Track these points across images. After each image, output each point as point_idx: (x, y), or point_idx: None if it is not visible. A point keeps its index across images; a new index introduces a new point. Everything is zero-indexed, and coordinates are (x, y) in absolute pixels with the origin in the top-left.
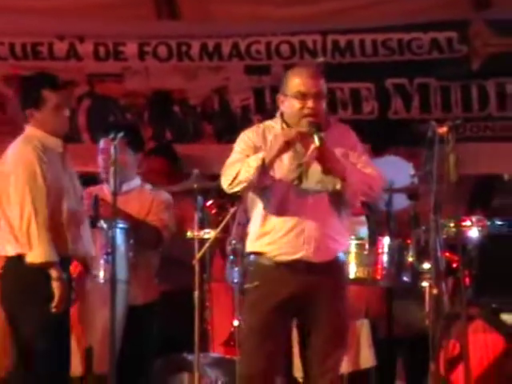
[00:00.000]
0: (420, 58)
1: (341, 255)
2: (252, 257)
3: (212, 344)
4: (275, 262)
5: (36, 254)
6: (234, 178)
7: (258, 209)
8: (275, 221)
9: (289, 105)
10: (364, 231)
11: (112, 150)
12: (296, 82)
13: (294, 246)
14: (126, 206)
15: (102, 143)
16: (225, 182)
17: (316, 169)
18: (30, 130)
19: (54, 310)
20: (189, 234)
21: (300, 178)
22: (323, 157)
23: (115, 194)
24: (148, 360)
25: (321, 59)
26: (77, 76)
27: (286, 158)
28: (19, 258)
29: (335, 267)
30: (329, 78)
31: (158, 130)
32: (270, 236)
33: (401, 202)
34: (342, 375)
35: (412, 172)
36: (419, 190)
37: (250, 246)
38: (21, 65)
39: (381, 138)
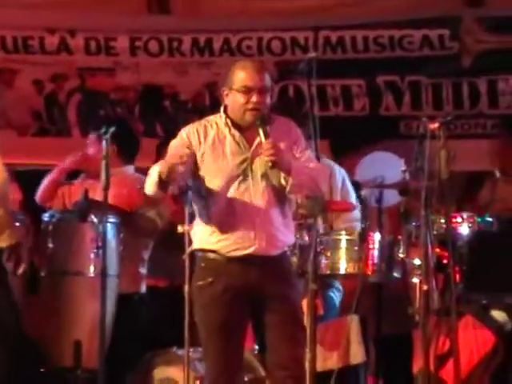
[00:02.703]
0: (411, 55)
1: (287, 247)
2: (202, 253)
3: None
4: (227, 258)
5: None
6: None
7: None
8: (223, 217)
9: (233, 98)
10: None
11: (103, 144)
12: (241, 75)
13: (246, 241)
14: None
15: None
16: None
17: (260, 164)
18: None
19: None
20: (179, 228)
21: (245, 174)
22: (269, 151)
23: (106, 188)
24: (136, 353)
25: (312, 54)
26: (67, 70)
27: (230, 153)
28: None
29: (284, 258)
30: (320, 74)
31: (149, 125)
32: (219, 233)
33: (392, 197)
34: (332, 371)
35: (403, 168)
36: (410, 186)
37: (199, 243)
38: (11, 58)
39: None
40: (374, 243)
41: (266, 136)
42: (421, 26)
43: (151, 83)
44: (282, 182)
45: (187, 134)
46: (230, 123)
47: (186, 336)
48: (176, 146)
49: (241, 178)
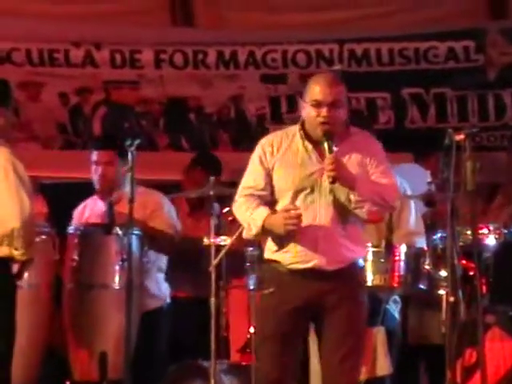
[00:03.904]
0: (436, 68)
1: (357, 262)
2: (268, 264)
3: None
4: (289, 270)
5: None
6: (242, 227)
7: None
8: None
9: (307, 112)
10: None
11: (129, 157)
12: (313, 89)
13: (307, 255)
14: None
15: (94, 155)
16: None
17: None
18: None
19: None
20: (205, 240)
21: (313, 187)
22: (331, 165)
23: (132, 200)
24: (162, 365)
25: (337, 67)
26: (93, 83)
27: (300, 165)
28: None
29: (349, 273)
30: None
31: (174, 137)
32: (282, 244)
33: (418, 209)
34: (359, 382)
35: (429, 179)
36: (436, 198)
37: (267, 253)
38: (37, 71)
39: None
40: (400, 255)
41: (330, 150)
42: (446, 38)
43: (176, 96)
44: (350, 197)
45: (263, 145)
46: (304, 135)
47: (212, 348)
48: (253, 159)
49: (308, 190)
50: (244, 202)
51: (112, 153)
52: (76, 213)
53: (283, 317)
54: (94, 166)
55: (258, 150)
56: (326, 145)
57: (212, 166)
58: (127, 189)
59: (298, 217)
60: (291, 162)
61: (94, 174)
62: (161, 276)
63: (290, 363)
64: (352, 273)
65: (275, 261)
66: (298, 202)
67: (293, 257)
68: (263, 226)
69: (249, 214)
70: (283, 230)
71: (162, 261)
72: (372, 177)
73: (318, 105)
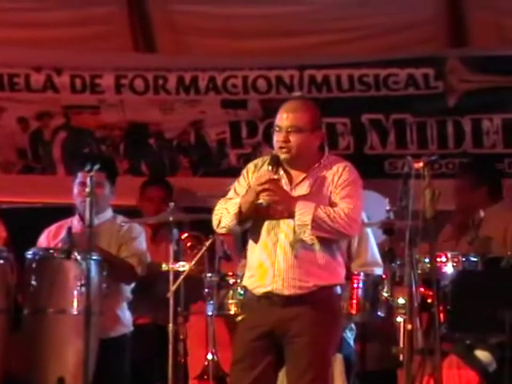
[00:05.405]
0: (396, 94)
1: (326, 288)
2: (244, 290)
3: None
4: (255, 295)
5: None
6: (218, 224)
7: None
8: (254, 254)
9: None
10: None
11: (88, 182)
12: (277, 115)
13: (266, 278)
14: (96, 239)
15: (80, 176)
16: (213, 223)
17: None
18: None
19: None
20: (164, 266)
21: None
22: (270, 190)
23: (91, 226)
24: None
25: (297, 93)
26: (53, 108)
27: None
28: None
29: (316, 300)
30: None
31: (134, 163)
32: (250, 269)
33: (376, 236)
34: None
35: (387, 207)
36: (395, 225)
37: (243, 280)
38: None
39: None
40: (358, 283)
41: (273, 175)
42: (406, 65)
43: (136, 121)
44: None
45: (247, 167)
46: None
47: (169, 374)
48: (239, 177)
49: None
50: (221, 203)
51: (104, 175)
52: (48, 233)
53: (250, 342)
54: (79, 187)
55: (243, 172)
56: (270, 169)
57: (163, 182)
58: (108, 214)
59: (271, 180)
60: None
61: (78, 195)
62: (126, 304)
63: None
64: (320, 299)
65: (245, 286)
66: (264, 225)
67: (255, 280)
68: (240, 208)
69: (224, 206)
70: (254, 194)
71: (128, 289)
72: (333, 200)
73: (278, 129)
